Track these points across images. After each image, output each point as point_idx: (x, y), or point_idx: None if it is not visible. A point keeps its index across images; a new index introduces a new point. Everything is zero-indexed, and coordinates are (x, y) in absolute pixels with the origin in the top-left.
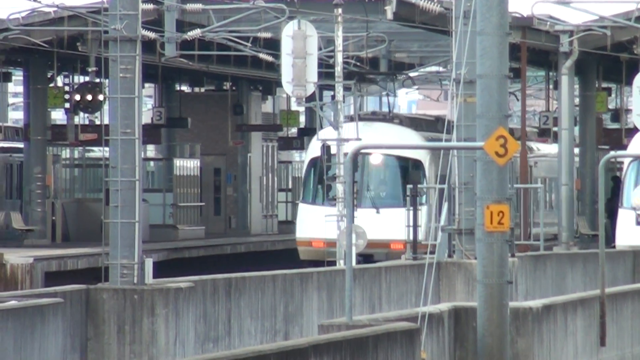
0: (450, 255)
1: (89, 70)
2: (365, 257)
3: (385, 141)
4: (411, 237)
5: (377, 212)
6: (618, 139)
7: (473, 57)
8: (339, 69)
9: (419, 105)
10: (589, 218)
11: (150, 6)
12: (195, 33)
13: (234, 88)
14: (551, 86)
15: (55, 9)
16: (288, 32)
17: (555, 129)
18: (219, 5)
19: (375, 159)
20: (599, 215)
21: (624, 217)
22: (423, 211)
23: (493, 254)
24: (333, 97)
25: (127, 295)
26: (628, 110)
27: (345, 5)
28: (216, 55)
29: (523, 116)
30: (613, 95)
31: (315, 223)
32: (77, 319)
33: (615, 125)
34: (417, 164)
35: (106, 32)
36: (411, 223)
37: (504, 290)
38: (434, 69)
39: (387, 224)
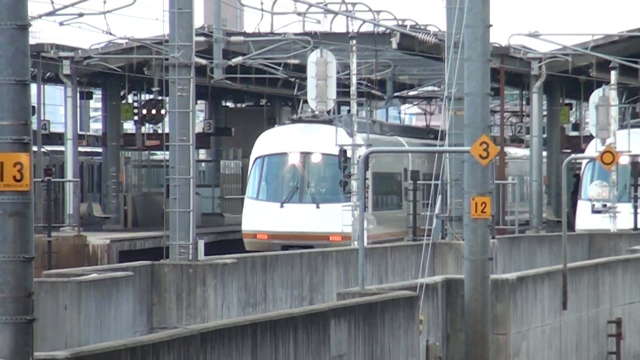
0: (443, 237)
1: (153, 90)
2: (306, 248)
3: (322, 139)
4: (345, 230)
5: (317, 207)
6: (577, 144)
7: (461, 79)
8: (353, 89)
9: (417, 117)
10: (554, 207)
11: (202, 38)
12: (238, 60)
13: (268, 104)
14: (524, 102)
15: (127, 40)
16: (312, 59)
17: (527, 136)
18: (257, 38)
19: (316, 157)
20: (562, 205)
21: (582, 207)
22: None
23: (477, 236)
24: (348, 111)
25: (184, 269)
26: (586, 122)
27: (358, 37)
28: (254, 78)
29: (502, 126)
30: (574, 109)
31: (259, 217)
32: (144, 288)
33: (575, 134)
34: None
35: (167, 59)
36: (410, 212)
37: (486, 265)
38: (430, 88)
39: (326, 218)
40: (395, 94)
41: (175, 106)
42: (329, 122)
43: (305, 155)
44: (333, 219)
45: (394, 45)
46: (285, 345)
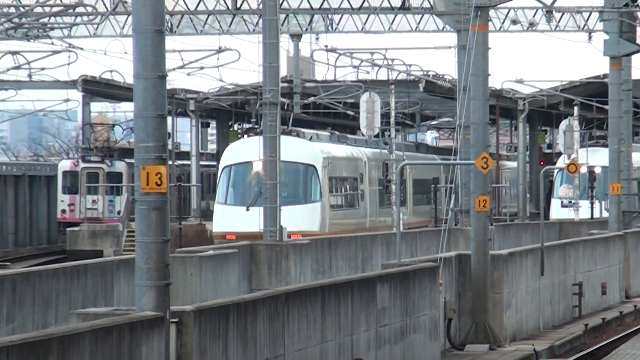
0: (456, 225)
1: (252, 120)
2: None
3: (285, 148)
4: (303, 228)
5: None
6: (550, 159)
7: (468, 112)
8: (392, 120)
9: (439, 139)
10: (534, 203)
11: (285, 84)
12: (310, 99)
13: (332, 130)
14: (513, 129)
15: (233, 86)
16: (364, 99)
17: (515, 153)
18: (324, 84)
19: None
20: (540, 202)
21: (554, 203)
22: (318, 206)
23: (480, 224)
24: (389, 135)
25: (273, 247)
26: (556, 143)
27: (396, 83)
28: (322, 112)
29: (497, 146)
30: (548, 134)
31: (227, 220)
32: (245, 261)
33: (549, 151)
34: (312, 168)
35: (261, 99)
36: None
37: (486, 244)
38: (446, 119)
39: (288, 219)
40: (422, 123)
41: (267, 132)
42: (289, 132)
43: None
44: (294, 219)
45: (421, 89)
46: (345, 302)
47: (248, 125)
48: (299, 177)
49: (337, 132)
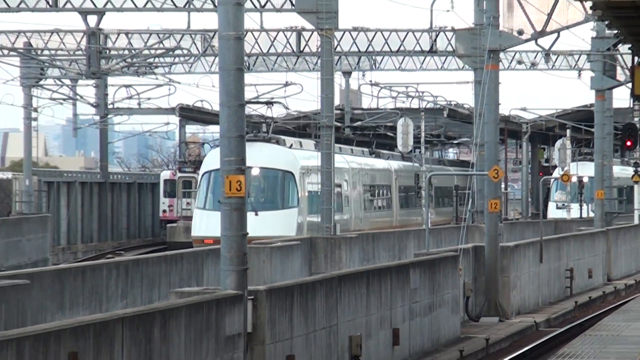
0: (472, 222)
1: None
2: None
3: (262, 155)
4: (280, 233)
5: (256, 214)
6: (548, 170)
7: (482, 134)
8: (422, 139)
9: (459, 155)
10: (535, 206)
11: (338, 111)
12: (358, 123)
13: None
14: (518, 147)
15: (297, 112)
16: (400, 123)
17: (520, 166)
18: (369, 110)
19: (255, 171)
20: (540, 205)
21: (551, 205)
22: (295, 211)
23: (492, 222)
24: (419, 151)
25: (328, 240)
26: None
27: (425, 110)
28: (368, 133)
29: (505, 160)
30: (546, 151)
31: (207, 224)
32: (306, 251)
33: (546, 165)
34: (290, 175)
35: (319, 123)
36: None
37: (497, 238)
38: (465, 139)
39: (264, 224)
40: (446, 142)
41: (323, 148)
42: (268, 140)
43: (246, 169)
44: (270, 224)
45: (445, 115)
46: (385, 283)
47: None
48: (276, 183)
49: (364, 149)
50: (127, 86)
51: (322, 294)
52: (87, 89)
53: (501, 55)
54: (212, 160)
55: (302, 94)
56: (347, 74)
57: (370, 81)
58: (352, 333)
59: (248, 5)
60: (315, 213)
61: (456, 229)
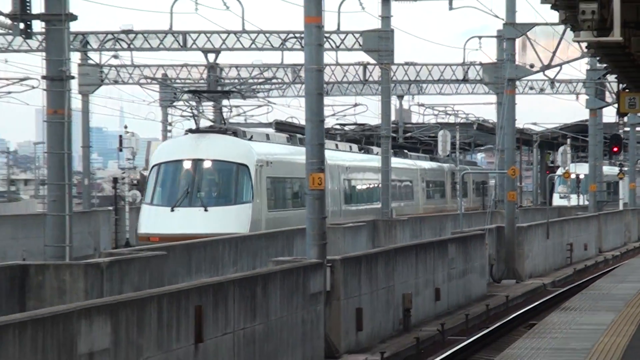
0: (495, 208)
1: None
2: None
3: (214, 147)
4: (232, 230)
5: (205, 210)
6: (553, 170)
7: (503, 142)
8: (457, 146)
9: (485, 158)
10: (543, 196)
11: (394, 125)
12: (408, 134)
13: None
14: (530, 152)
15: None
16: (440, 134)
17: (531, 166)
18: (417, 125)
19: (206, 163)
20: (547, 195)
21: (555, 196)
22: (248, 207)
23: (510, 208)
24: (455, 155)
25: (387, 222)
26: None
27: (460, 125)
28: (416, 141)
29: (520, 162)
30: (551, 155)
31: (153, 221)
32: (370, 230)
33: (552, 165)
34: (244, 168)
35: (380, 134)
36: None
37: (514, 221)
38: (490, 145)
39: (214, 221)
40: (475, 148)
41: (383, 154)
42: (224, 131)
43: (197, 162)
44: (220, 220)
45: (474, 128)
46: (429, 254)
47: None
48: (229, 177)
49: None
50: (236, 106)
51: (382, 262)
52: (207, 109)
53: (517, 82)
54: (162, 152)
55: (367, 112)
56: (400, 97)
57: (418, 103)
58: (405, 291)
59: (327, 46)
60: (281, 208)
61: (483, 214)
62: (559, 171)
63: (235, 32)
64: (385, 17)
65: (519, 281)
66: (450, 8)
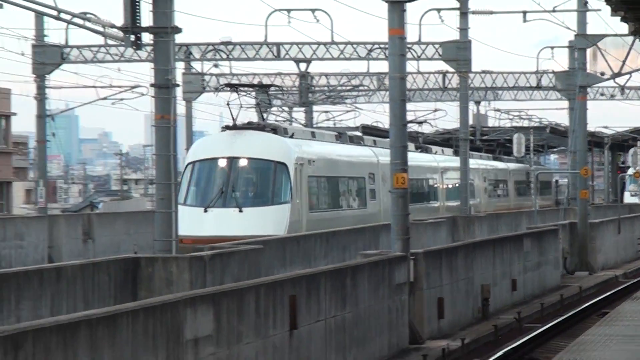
0: (568, 205)
1: (453, 149)
2: None
3: (250, 145)
4: (270, 232)
5: (240, 211)
6: (624, 170)
7: (575, 144)
8: (531, 148)
9: (558, 159)
10: (614, 194)
11: (472, 129)
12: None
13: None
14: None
15: (442, 129)
16: (515, 137)
17: (602, 166)
18: (493, 128)
19: (242, 162)
20: (618, 193)
21: (626, 194)
22: (286, 207)
23: (583, 205)
24: (530, 156)
25: (465, 218)
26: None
27: (534, 129)
28: (493, 143)
29: (592, 162)
30: (622, 156)
31: (186, 222)
32: (450, 225)
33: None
34: (282, 167)
35: (458, 137)
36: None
37: (586, 217)
38: (563, 147)
39: (249, 222)
40: (548, 150)
41: (462, 155)
42: (262, 128)
43: (232, 160)
44: (255, 222)
45: (547, 131)
46: (506, 248)
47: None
48: (265, 176)
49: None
50: (325, 112)
51: (462, 255)
52: (299, 114)
53: (588, 89)
54: (197, 150)
55: (446, 117)
56: (477, 102)
57: (494, 108)
58: (483, 282)
59: (409, 55)
60: (326, 208)
61: (556, 210)
62: (630, 171)
63: (325, 43)
64: (463, 29)
65: (591, 273)
66: (525, 20)
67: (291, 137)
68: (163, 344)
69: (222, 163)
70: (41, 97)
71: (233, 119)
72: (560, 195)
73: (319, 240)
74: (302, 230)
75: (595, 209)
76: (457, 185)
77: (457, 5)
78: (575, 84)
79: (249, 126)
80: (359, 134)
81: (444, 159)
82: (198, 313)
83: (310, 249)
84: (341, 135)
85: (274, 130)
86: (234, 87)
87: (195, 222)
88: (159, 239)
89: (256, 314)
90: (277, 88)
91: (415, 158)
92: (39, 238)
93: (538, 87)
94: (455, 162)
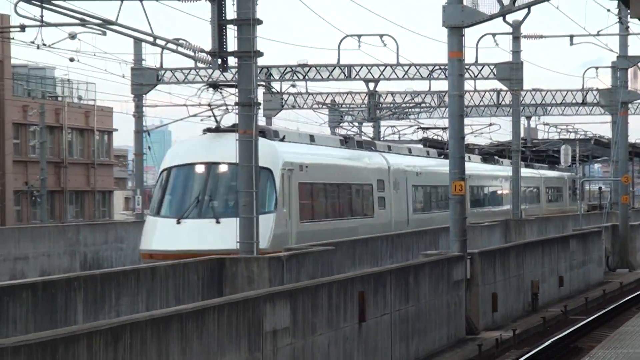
0: (611, 209)
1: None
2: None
3: (233, 149)
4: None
5: (217, 222)
6: None
7: (617, 154)
8: (577, 158)
9: (602, 168)
10: None
11: (523, 141)
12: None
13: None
14: None
15: (497, 142)
16: (562, 148)
17: None
18: (542, 140)
19: (222, 167)
20: None
21: None
22: (270, 218)
23: (624, 209)
24: (576, 166)
25: (517, 222)
26: None
27: (579, 140)
28: (542, 154)
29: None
30: None
31: (157, 235)
32: (503, 228)
33: None
34: (267, 172)
35: (511, 148)
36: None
37: (627, 220)
38: (606, 158)
39: (227, 233)
40: (592, 160)
41: (514, 164)
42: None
43: (210, 166)
44: (234, 234)
45: (592, 143)
46: (553, 248)
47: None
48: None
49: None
50: (392, 126)
51: (513, 255)
52: (368, 129)
53: (629, 105)
54: (173, 155)
55: (500, 130)
56: (528, 117)
57: (543, 122)
58: (533, 279)
59: (466, 75)
60: (321, 218)
61: (600, 214)
62: None
63: (391, 65)
64: (516, 52)
65: (631, 270)
66: (571, 43)
67: (282, 140)
68: (245, 335)
69: (199, 169)
70: (139, 115)
71: (216, 120)
72: (603, 200)
73: (385, 241)
74: (292, 243)
75: (635, 213)
76: (527, 190)
77: (510, 30)
78: (617, 100)
79: (232, 129)
80: (367, 138)
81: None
82: (276, 307)
83: (377, 249)
84: (347, 140)
85: (262, 132)
86: (216, 87)
87: (167, 235)
88: (242, 241)
89: (329, 308)
90: (345, 105)
91: (485, 168)
92: (136, 241)
93: (583, 104)
94: (521, 172)
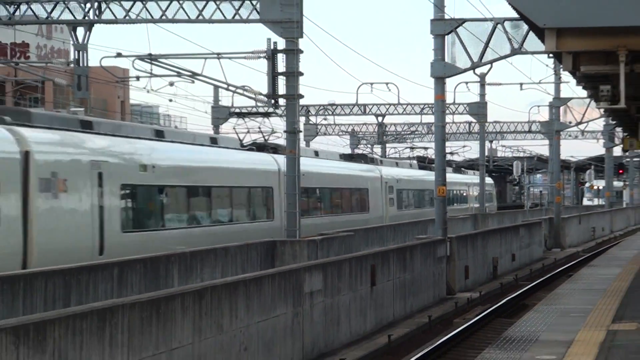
0: (548, 206)
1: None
2: None
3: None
4: None
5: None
6: (583, 184)
7: (552, 167)
8: (524, 170)
9: (542, 177)
10: (576, 199)
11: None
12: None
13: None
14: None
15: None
16: (515, 163)
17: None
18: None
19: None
20: (579, 199)
21: (585, 200)
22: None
23: (557, 207)
24: (523, 174)
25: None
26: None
27: (527, 158)
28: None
29: (562, 180)
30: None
31: None
32: (473, 220)
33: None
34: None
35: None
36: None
37: (559, 214)
38: (545, 170)
39: None
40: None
41: (481, 175)
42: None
43: None
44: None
45: (535, 159)
46: (509, 233)
47: None
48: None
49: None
50: (394, 147)
51: (480, 238)
52: (377, 149)
53: (561, 132)
54: None
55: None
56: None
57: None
58: (493, 255)
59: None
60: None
61: (540, 210)
62: (587, 184)
63: (394, 104)
64: (482, 95)
65: (562, 249)
66: (521, 89)
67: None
68: (290, 295)
69: None
70: None
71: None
72: (542, 200)
73: (390, 229)
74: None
75: (565, 209)
76: (487, 192)
77: (478, 79)
78: (553, 129)
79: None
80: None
81: (471, 177)
82: (313, 276)
83: (384, 235)
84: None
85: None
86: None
87: None
88: (289, 228)
89: (349, 276)
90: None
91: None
92: None
93: (529, 131)
94: (476, 179)
